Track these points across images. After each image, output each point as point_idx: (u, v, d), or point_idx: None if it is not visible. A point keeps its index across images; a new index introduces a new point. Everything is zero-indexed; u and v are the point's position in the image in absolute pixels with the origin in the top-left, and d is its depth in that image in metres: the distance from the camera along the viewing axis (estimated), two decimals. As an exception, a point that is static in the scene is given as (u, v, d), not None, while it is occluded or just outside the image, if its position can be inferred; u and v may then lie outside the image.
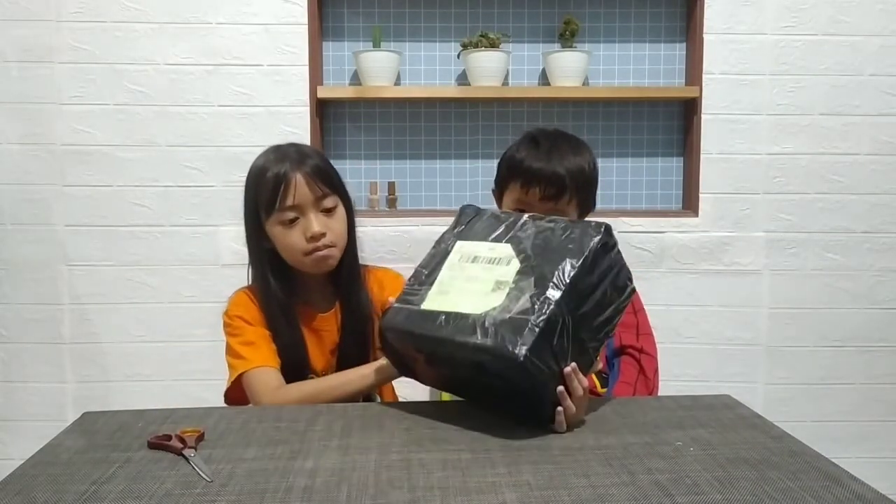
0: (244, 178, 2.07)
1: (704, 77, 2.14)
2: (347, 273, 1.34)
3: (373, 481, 0.87)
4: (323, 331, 1.34)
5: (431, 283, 1.09)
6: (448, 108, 2.28)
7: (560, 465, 0.91)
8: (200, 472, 0.89)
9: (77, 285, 2.11)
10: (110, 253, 2.11)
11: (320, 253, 1.25)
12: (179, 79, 2.08)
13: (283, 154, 1.27)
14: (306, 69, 2.09)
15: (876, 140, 2.15)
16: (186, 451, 0.95)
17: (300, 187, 1.23)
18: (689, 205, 2.23)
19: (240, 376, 1.24)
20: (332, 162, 1.34)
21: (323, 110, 2.24)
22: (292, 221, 1.24)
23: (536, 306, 0.97)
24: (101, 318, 2.13)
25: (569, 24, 2.15)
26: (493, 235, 1.11)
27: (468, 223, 1.17)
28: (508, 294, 1.00)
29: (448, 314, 1.02)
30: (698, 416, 1.10)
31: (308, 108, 2.10)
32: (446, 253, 1.13)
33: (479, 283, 1.04)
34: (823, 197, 2.17)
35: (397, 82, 2.22)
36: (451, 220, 2.17)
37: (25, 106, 2.07)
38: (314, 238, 1.24)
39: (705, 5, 2.12)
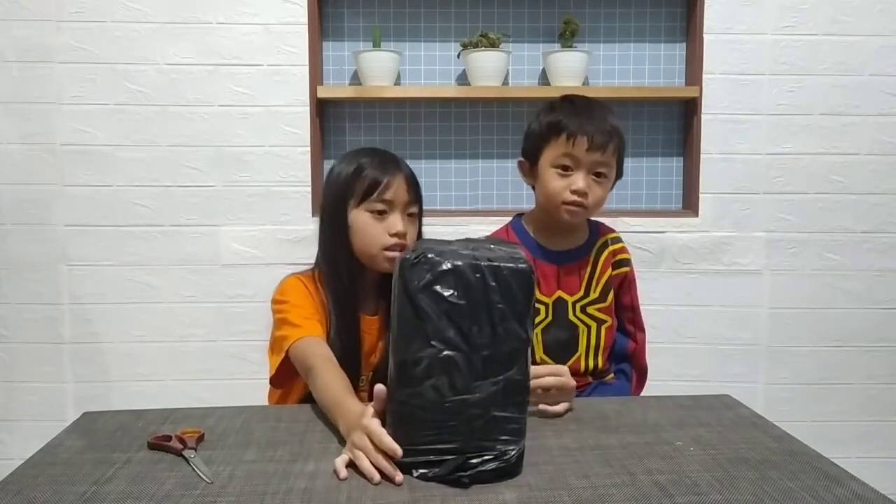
0: (244, 178, 2.10)
1: (704, 77, 2.14)
2: None
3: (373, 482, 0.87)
4: (365, 333, 1.34)
5: None
6: (448, 108, 2.28)
7: (560, 465, 0.91)
8: (200, 474, 0.89)
9: (77, 285, 2.11)
10: (110, 253, 2.11)
11: (394, 253, 1.28)
12: (179, 79, 2.08)
13: (385, 155, 1.34)
14: (306, 69, 2.09)
15: (876, 140, 2.15)
16: (186, 452, 0.95)
17: (399, 186, 1.30)
18: (689, 205, 2.23)
19: (293, 345, 1.21)
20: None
21: (323, 110, 2.24)
22: (381, 214, 1.28)
23: None
24: (101, 318, 2.13)
25: (569, 24, 2.14)
26: None
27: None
28: None
29: None
30: (698, 416, 1.10)
31: (308, 108, 2.09)
32: None
33: None
34: (823, 197, 2.17)
35: (397, 82, 2.21)
36: (450, 219, 2.18)
37: (25, 106, 2.07)
38: (398, 235, 1.28)
39: (705, 5, 2.12)
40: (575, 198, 1.33)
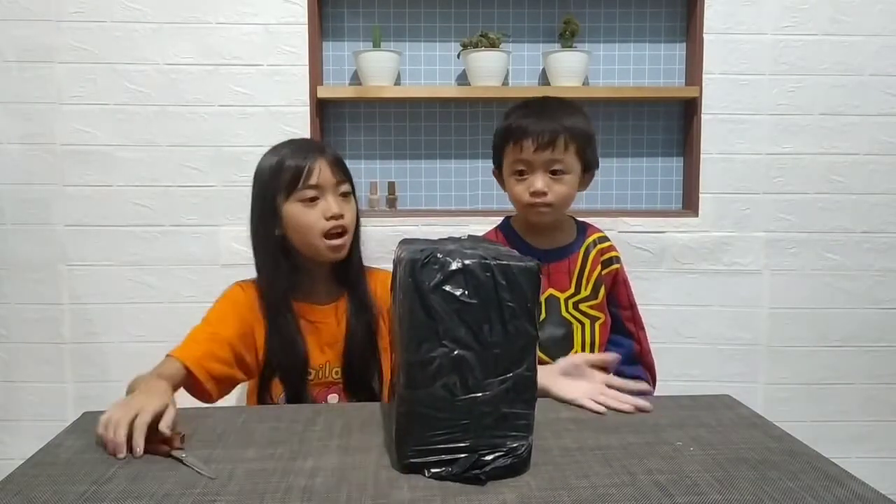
0: (244, 178, 2.09)
1: (704, 77, 2.14)
2: (357, 267, 1.37)
3: (373, 481, 0.87)
4: (320, 323, 1.34)
5: None
6: (448, 108, 2.28)
7: (560, 465, 0.91)
8: (200, 471, 0.89)
9: (77, 285, 2.11)
10: (110, 253, 2.11)
11: (337, 241, 1.29)
12: (179, 79, 2.08)
13: (303, 143, 1.34)
14: (306, 69, 2.09)
15: (876, 140, 2.15)
16: (176, 453, 0.94)
17: (324, 169, 1.28)
18: (689, 205, 2.23)
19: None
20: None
21: (323, 110, 2.24)
22: (312, 200, 1.28)
23: None
24: (101, 318, 2.13)
25: (569, 24, 2.15)
26: None
27: None
28: None
29: None
30: (698, 416, 1.10)
31: (308, 108, 2.09)
32: None
33: None
34: (823, 197, 2.17)
35: (397, 82, 2.21)
36: (450, 220, 2.19)
37: (25, 106, 2.07)
38: (334, 217, 1.27)
39: (705, 5, 2.12)
40: (535, 199, 1.36)
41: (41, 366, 2.13)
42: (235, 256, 2.10)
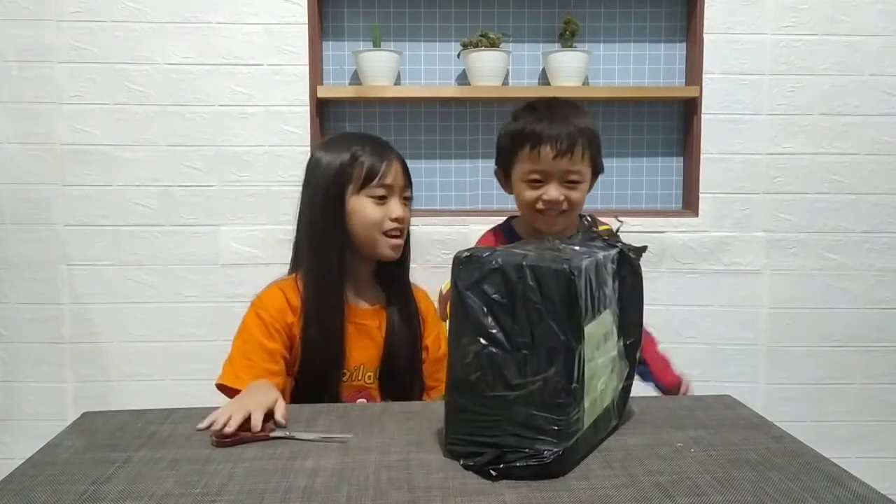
0: (244, 178, 2.10)
1: (704, 77, 2.14)
2: (404, 268, 1.39)
3: (373, 481, 0.87)
4: (361, 325, 1.33)
5: (583, 395, 0.92)
6: (448, 108, 2.28)
7: (560, 465, 0.91)
8: (331, 436, 0.98)
9: (77, 285, 2.11)
10: (110, 253, 2.11)
11: (397, 241, 1.32)
12: (179, 79, 2.08)
13: (377, 142, 1.35)
14: (306, 69, 2.09)
15: (876, 140, 2.15)
16: (279, 432, 1.00)
17: (397, 171, 1.32)
18: (689, 205, 2.23)
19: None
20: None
21: (323, 110, 2.24)
22: (381, 199, 1.30)
23: (630, 366, 1.08)
24: (101, 318, 2.13)
25: (569, 24, 2.15)
26: (596, 304, 0.95)
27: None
28: (616, 368, 1.03)
29: (598, 414, 0.98)
30: (699, 417, 1.10)
31: (308, 108, 2.09)
32: (571, 348, 0.89)
33: (606, 370, 0.99)
34: (823, 197, 2.17)
35: (397, 82, 2.21)
36: (450, 219, 2.18)
37: (25, 106, 2.07)
38: (398, 220, 1.30)
39: (705, 5, 2.12)
40: (548, 207, 1.33)
41: (41, 366, 2.13)
42: (235, 256, 2.10)
